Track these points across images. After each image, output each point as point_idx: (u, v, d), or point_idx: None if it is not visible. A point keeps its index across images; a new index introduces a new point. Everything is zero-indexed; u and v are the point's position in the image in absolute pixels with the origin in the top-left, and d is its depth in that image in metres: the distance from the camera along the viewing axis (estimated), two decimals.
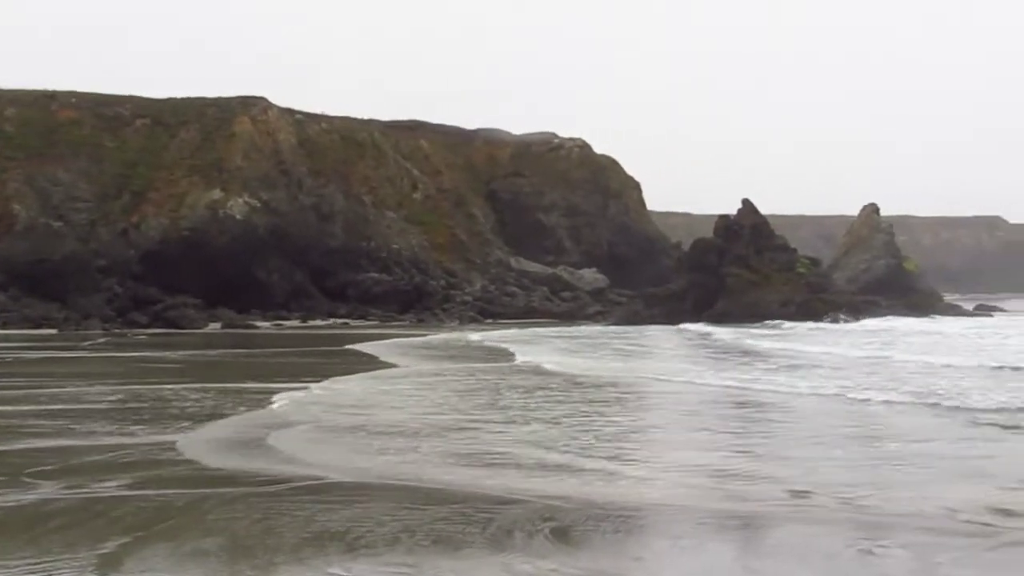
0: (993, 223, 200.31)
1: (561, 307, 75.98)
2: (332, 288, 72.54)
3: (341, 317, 67.81)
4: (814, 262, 76.67)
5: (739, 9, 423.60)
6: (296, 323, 64.29)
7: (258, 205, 70.68)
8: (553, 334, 52.73)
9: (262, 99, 77.66)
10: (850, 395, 22.56)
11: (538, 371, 30.57)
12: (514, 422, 19.41)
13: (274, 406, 22.07)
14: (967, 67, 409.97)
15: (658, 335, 51.74)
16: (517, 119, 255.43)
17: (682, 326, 58.20)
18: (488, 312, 72.13)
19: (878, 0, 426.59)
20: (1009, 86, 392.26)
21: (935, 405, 20.66)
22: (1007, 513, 11.73)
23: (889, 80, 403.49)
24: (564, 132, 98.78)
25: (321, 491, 13.03)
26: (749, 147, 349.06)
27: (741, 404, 22.63)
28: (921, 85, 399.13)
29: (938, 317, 68.10)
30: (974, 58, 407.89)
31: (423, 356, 37.85)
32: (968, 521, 11.40)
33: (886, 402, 21.47)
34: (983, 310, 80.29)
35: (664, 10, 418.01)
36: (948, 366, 29.30)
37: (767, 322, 58.97)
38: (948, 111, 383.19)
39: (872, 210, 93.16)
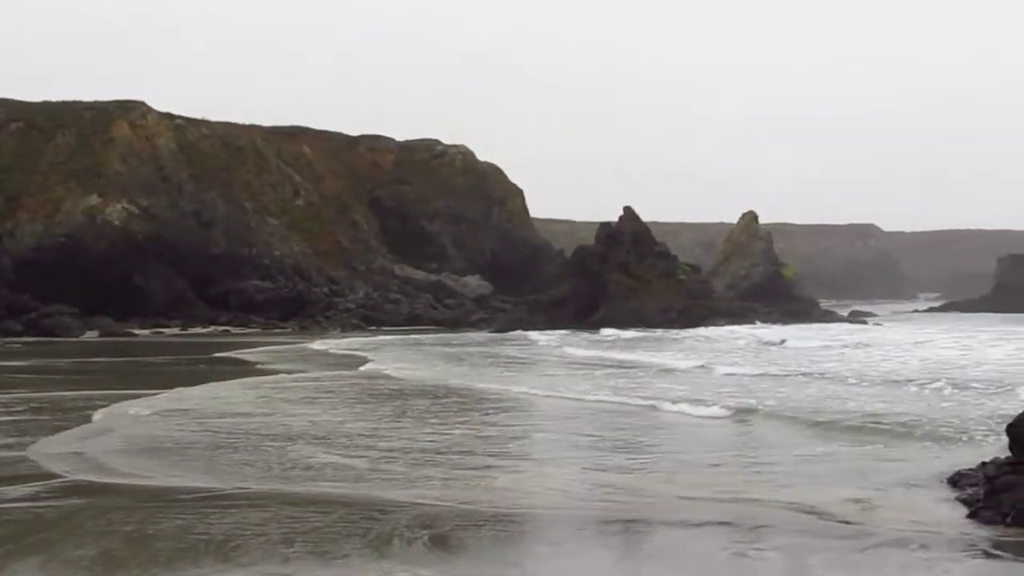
0: (867, 231, 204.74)
1: (445, 314, 75.82)
2: (214, 296, 71.50)
3: (222, 325, 66.86)
4: (694, 269, 77.64)
5: (622, 18, 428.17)
6: (176, 331, 63.28)
7: (137, 211, 69.41)
8: (432, 341, 52.82)
9: (141, 103, 76.29)
10: (710, 405, 22.37)
11: (399, 380, 30.34)
12: (382, 430, 19.46)
13: (145, 413, 21.75)
14: (841, 78, 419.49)
15: (520, 342, 51.85)
16: (400, 125, 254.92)
17: (529, 334, 58.32)
18: (371, 319, 71.69)
19: (767, 15, 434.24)
20: (881, 100, 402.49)
21: (790, 416, 20.84)
22: (870, 513, 12.06)
23: (766, 91, 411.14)
24: (447, 139, 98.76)
25: (199, 500, 12.87)
26: (631, 154, 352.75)
27: (596, 413, 22.63)
28: (797, 95, 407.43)
29: (820, 325, 69.44)
30: (848, 69, 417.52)
31: (297, 363, 37.57)
32: (840, 520, 11.69)
33: (747, 411, 21.68)
34: (857, 316, 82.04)
35: (544, 17, 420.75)
36: (812, 375, 29.87)
37: (646, 329, 59.61)
38: (824, 121, 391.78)
39: (751, 218, 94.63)
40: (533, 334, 56.94)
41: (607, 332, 57.81)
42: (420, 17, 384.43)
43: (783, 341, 45.98)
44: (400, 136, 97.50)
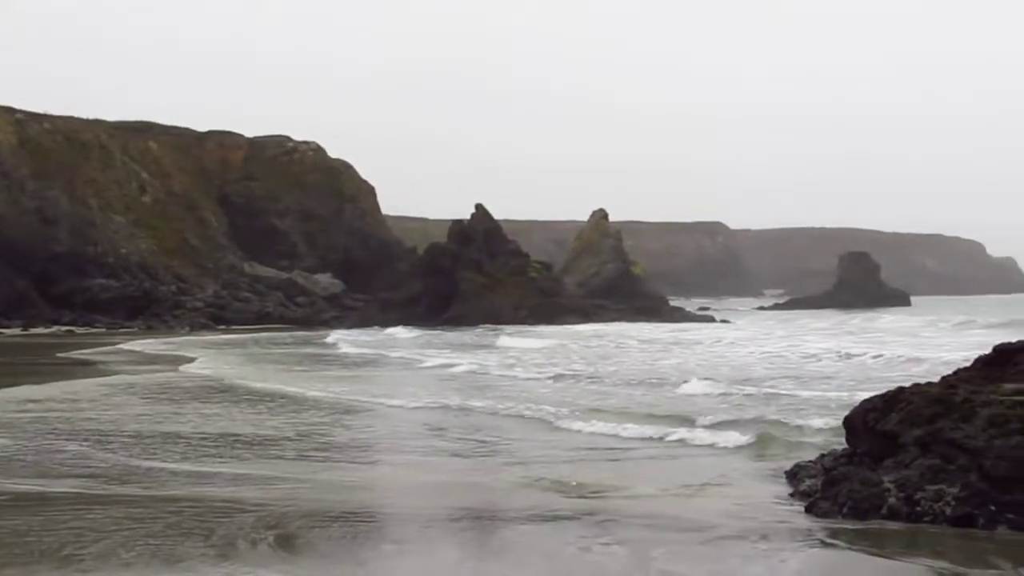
0: (714, 229, 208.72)
1: (296, 312, 75.22)
2: (57, 295, 69.74)
3: (66, 325, 65.23)
4: (546, 266, 78.26)
5: (474, 20, 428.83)
6: (17, 331, 61.54)
7: None
8: (266, 340, 52.75)
9: None
10: (544, 409, 21.92)
11: (221, 381, 29.91)
12: (216, 429, 19.30)
13: None
14: (687, 79, 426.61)
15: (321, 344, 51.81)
16: (250, 121, 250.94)
17: (332, 334, 58.37)
18: (221, 318, 70.76)
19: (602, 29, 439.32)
20: (728, 102, 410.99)
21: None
22: (711, 506, 12.31)
23: (616, 88, 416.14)
24: (298, 136, 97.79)
25: (36, 505, 12.49)
26: (484, 154, 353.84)
27: (422, 414, 22.38)
28: (645, 93, 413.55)
29: (673, 324, 70.53)
30: (696, 72, 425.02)
31: (121, 363, 36.99)
32: (683, 514, 11.89)
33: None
34: (704, 312, 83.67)
35: (394, 10, 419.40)
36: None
37: (495, 326, 60.10)
38: (669, 122, 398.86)
39: (601, 216, 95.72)
40: (337, 333, 57.52)
41: (391, 330, 59.96)
42: (268, 15, 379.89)
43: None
44: (250, 132, 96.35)
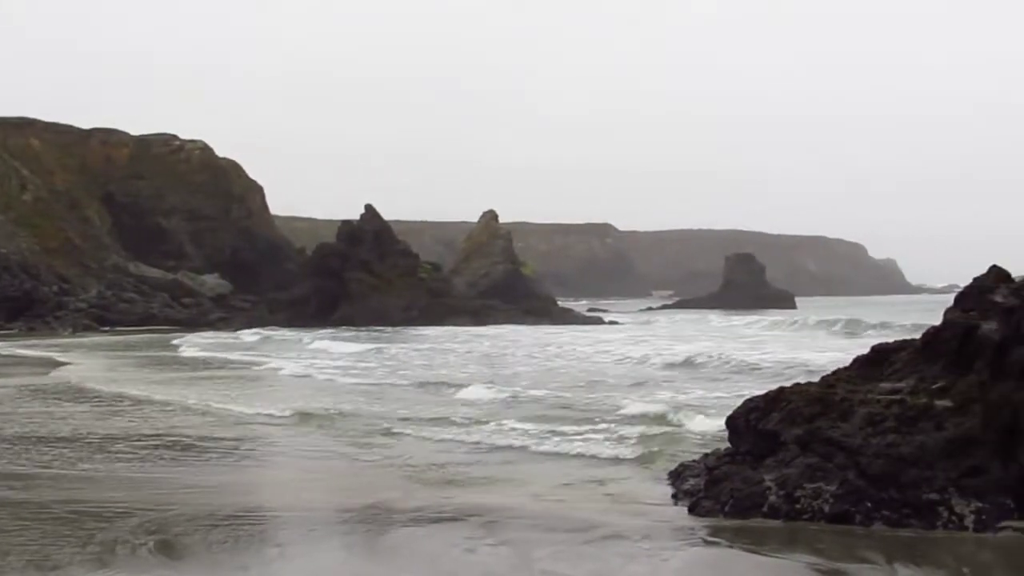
0: (603, 230, 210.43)
1: (182, 314, 74.20)
2: None
3: None
4: (436, 267, 78.42)
5: (360, 18, 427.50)
6: None
7: None
8: (158, 341, 51.86)
9: None
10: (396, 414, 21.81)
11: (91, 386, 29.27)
12: (92, 433, 18.97)
13: None
14: (580, 80, 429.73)
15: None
16: (135, 119, 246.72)
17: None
18: (105, 320, 69.49)
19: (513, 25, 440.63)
20: (618, 99, 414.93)
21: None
22: (596, 507, 12.42)
23: (500, 98, 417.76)
24: (185, 134, 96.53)
25: None
26: (372, 154, 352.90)
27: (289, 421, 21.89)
28: (533, 91, 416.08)
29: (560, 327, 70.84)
30: (588, 72, 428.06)
31: (6, 367, 36.29)
32: (568, 515, 11.96)
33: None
34: (594, 313, 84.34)
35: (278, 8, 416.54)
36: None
37: (383, 328, 59.97)
38: (559, 125, 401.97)
39: (491, 217, 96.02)
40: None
41: (240, 332, 60.14)
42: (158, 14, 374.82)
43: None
44: (136, 130, 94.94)
